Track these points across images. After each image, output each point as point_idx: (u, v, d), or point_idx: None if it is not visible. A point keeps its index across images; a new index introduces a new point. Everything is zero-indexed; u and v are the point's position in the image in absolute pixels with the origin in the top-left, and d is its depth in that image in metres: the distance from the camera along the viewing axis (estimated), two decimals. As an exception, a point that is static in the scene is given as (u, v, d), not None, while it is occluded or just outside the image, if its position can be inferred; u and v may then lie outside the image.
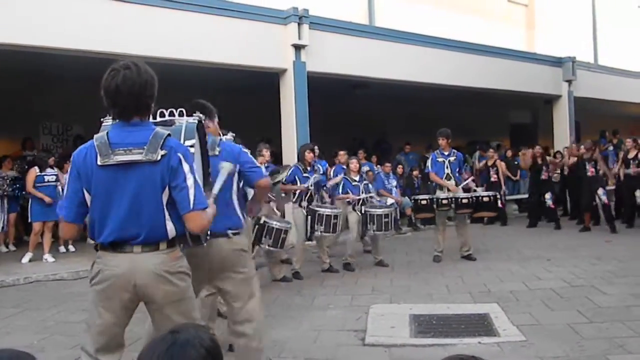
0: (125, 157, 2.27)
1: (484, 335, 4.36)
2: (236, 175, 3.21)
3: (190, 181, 2.30)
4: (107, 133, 2.34)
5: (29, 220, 8.33)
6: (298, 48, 9.54)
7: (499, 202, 10.95)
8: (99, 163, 2.28)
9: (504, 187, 11.45)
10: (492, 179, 11.51)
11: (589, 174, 9.87)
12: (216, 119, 3.50)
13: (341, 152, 8.56)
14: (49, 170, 8.39)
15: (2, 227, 8.79)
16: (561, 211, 11.82)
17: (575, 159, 10.59)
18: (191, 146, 2.51)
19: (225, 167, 2.90)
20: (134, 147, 2.28)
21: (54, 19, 7.38)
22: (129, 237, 2.30)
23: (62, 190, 7.29)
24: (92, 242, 2.44)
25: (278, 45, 9.43)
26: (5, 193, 8.76)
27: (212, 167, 2.90)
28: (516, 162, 11.95)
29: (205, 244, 2.69)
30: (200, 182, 2.78)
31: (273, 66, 9.57)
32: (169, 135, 2.34)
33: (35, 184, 8.19)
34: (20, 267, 7.70)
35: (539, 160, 10.85)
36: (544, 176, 10.71)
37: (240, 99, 10.94)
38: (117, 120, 2.36)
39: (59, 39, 7.40)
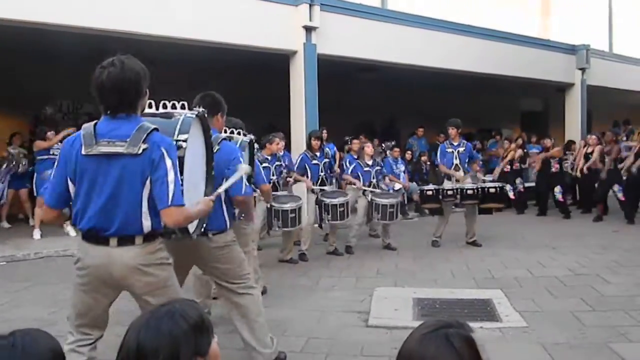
0: (108, 148, 2.33)
1: (486, 320, 4.40)
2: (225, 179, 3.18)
3: (171, 177, 2.32)
4: (95, 124, 2.40)
5: (35, 195, 8.30)
6: (309, 30, 9.48)
7: (512, 192, 10.95)
8: (83, 152, 2.34)
9: (518, 179, 11.36)
10: (506, 170, 11.46)
11: (607, 167, 9.83)
12: (224, 114, 3.51)
13: (355, 141, 8.51)
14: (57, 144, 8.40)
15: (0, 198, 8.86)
16: (570, 200, 11.76)
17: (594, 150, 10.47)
18: (184, 140, 2.54)
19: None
20: (118, 139, 2.33)
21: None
22: (105, 227, 2.36)
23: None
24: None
25: (289, 27, 9.37)
26: (15, 169, 8.83)
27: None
28: (526, 150, 11.87)
29: (194, 238, 2.74)
30: (201, 176, 2.82)
31: (283, 48, 9.52)
32: (155, 129, 2.37)
33: (39, 156, 8.21)
34: (30, 242, 7.82)
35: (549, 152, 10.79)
36: (554, 169, 10.64)
37: (249, 80, 10.92)
38: (107, 114, 2.41)
39: (70, 16, 7.39)
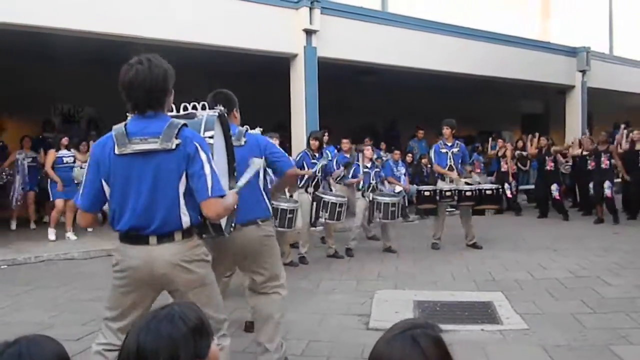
0: (142, 146, 2.33)
1: (487, 323, 4.39)
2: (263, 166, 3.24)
3: (207, 169, 2.33)
4: (126, 124, 2.40)
5: (51, 199, 8.51)
6: (309, 33, 9.51)
7: (508, 193, 10.96)
8: (116, 152, 2.34)
9: (511, 179, 11.37)
10: (502, 169, 11.48)
11: (603, 166, 9.83)
12: (238, 110, 3.54)
13: (344, 141, 8.48)
14: (65, 151, 8.56)
15: (15, 202, 8.96)
16: (570, 202, 11.76)
17: (586, 151, 10.50)
18: (210, 137, 2.55)
19: (256, 163, 2.94)
20: (150, 136, 2.33)
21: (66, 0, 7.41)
22: (145, 226, 2.35)
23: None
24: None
25: (289, 30, 9.40)
26: (24, 172, 8.92)
27: (238, 157, 2.95)
28: (525, 153, 11.88)
29: (227, 235, 2.74)
30: (224, 171, 2.85)
31: (284, 51, 9.55)
32: (184, 125, 2.38)
33: (55, 165, 8.36)
34: (31, 246, 7.82)
35: (543, 151, 10.79)
36: (548, 167, 10.64)
37: (250, 83, 10.93)
38: (135, 113, 2.42)
39: (71, 20, 7.42)
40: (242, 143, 3.19)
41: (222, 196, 2.37)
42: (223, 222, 2.65)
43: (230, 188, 2.83)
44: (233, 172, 2.92)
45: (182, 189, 2.35)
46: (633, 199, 10.26)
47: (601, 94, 14.72)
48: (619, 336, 4.00)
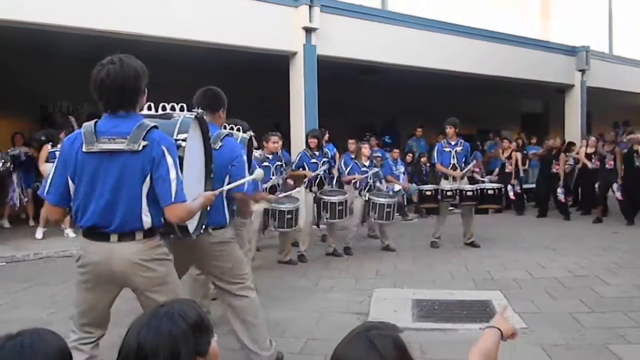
0: (109, 145, 2.35)
1: (485, 322, 4.37)
2: (228, 176, 3.19)
3: (172, 174, 2.34)
4: (96, 122, 2.42)
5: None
6: (309, 31, 9.49)
7: (511, 194, 10.96)
8: (83, 150, 2.36)
9: (514, 180, 11.36)
10: (507, 170, 11.46)
11: (607, 166, 9.84)
12: (225, 110, 3.51)
13: (350, 141, 8.51)
14: (58, 147, 8.46)
15: (14, 202, 8.89)
16: (570, 202, 11.76)
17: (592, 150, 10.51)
18: (183, 140, 2.56)
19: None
20: (118, 136, 2.35)
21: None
22: (106, 224, 2.38)
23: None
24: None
25: (289, 28, 9.39)
26: (11, 169, 8.79)
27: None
28: (525, 152, 11.88)
29: (194, 237, 2.76)
30: (200, 174, 2.85)
31: (283, 49, 9.53)
32: (154, 127, 2.39)
33: (50, 159, 8.26)
34: (30, 243, 7.82)
35: (552, 152, 10.80)
36: (554, 169, 10.65)
37: (248, 81, 10.93)
38: (107, 112, 2.43)
39: (70, 16, 7.40)
40: (217, 147, 3.12)
41: (184, 202, 2.38)
42: (192, 223, 2.67)
43: (207, 190, 2.84)
44: (210, 174, 2.92)
45: (145, 190, 2.37)
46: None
47: (601, 93, 14.72)
48: (617, 335, 4.00)
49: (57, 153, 8.19)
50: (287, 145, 8.85)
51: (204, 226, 2.92)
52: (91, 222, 2.38)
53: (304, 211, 6.84)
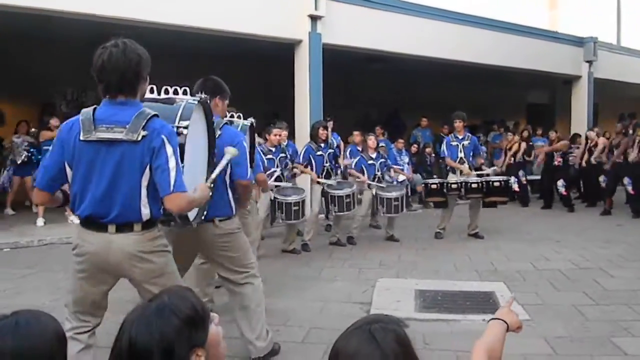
0: (107, 134, 2.29)
1: (489, 313, 4.36)
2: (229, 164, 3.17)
3: (172, 163, 2.29)
4: (94, 109, 2.36)
5: None
6: (314, 19, 9.40)
7: (515, 186, 10.90)
8: (81, 138, 2.31)
9: (520, 172, 11.29)
10: (510, 162, 11.39)
11: (615, 159, 9.78)
12: (227, 100, 3.48)
13: (355, 133, 8.48)
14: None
15: (4, 187, 8.95)
16: (576, 194, 11.70)
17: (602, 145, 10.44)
18: (185, 127, 2.51)
19: (229, 152, 2.89)
20: (117, 125, 2.29)
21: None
22: (104, 214, 2.34)
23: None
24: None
25: (294, 16, 9.29)
26: (20, 157, 8.84)
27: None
28: (531, 143, 11.81)
29: (194, 226, 2.73)
30: (203, 160, 2.82)
31: (288, 37, 9.45)
32: (155, 115, 2.33)
33: (47, 145, 8.28)
34: (34, 229, 7.84)
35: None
36: (556, 162, 10.59)
37: (253, 69, 10.87)
38: (106, 97, 2.38)
39: (76, 2, 7.34)
40: (216, 135, 3.08)
41: (184, 191, 2.32)
42: (192, 212, 2.63)
43: (209, 177, 2.80)
44: (213, 161, 2.88)
45: (145, 181, 2.33)
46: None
47: (608, 84, 14.60)
48: (620, 328, 3.99)
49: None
50: (292, 135, 8.82)
51: (206, 215, 2.90)
52: (88, 211, 2.35)
53: (313, 201, 6.85)
